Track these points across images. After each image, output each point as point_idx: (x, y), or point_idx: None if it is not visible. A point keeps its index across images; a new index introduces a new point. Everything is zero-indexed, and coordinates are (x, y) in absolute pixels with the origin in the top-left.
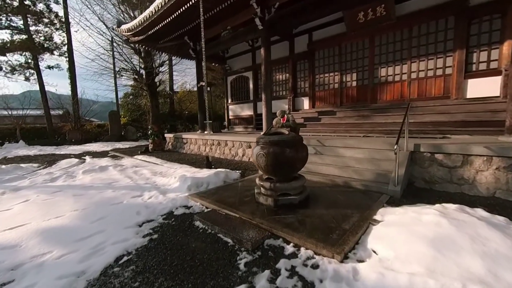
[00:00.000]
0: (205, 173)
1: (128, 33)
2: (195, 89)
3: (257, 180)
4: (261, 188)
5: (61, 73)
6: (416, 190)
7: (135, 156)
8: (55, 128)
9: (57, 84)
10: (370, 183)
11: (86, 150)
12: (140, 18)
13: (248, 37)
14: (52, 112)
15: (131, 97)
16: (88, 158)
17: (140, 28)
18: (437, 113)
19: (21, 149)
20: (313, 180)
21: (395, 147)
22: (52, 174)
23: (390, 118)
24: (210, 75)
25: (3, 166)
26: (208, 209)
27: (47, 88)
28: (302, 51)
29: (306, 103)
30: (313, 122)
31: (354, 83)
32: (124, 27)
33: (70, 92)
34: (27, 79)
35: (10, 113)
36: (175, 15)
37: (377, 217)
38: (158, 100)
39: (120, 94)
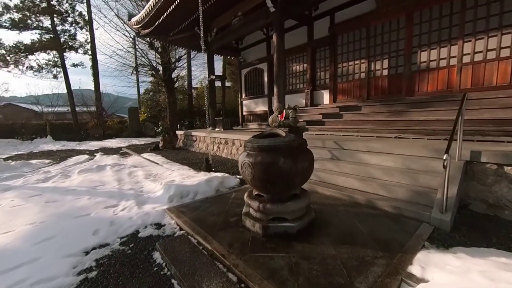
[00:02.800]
0: (196, 178)
1: (137, 26)
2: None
3: (245, 196)
4: (250, 208)
5: (84, 71)
6: (473, 217)
7: (142, 154)
8: (80, 124)
9: (81, 80)
10: (403, 205)
11: (103, 146)
12: (146, 8)
13: (259, 22)
14: (84, 109)
15: (151, 93)
16: (98, 155)
17: (147, 19)
18: (501, 107)
19: (47, 144)
20: (324, 194)
21: (444, 157)
22: (49, 173)
23: (432, 114)
24: (229, 69)
25: (12, 163)
26: (181, 232)
27: (81, 86)
28: (323, 36)
29: (326, 97)
30: (333, 119)
31: (385, 72)
32: (133, 19)
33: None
34: (55, 77)
35: (40, 109)
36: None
37: (414, 268)
38: (176, 96)
39: (142, 91)
